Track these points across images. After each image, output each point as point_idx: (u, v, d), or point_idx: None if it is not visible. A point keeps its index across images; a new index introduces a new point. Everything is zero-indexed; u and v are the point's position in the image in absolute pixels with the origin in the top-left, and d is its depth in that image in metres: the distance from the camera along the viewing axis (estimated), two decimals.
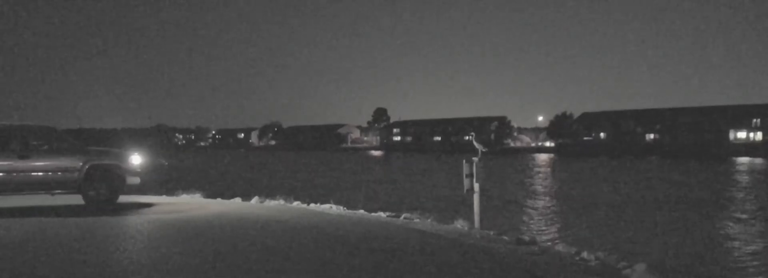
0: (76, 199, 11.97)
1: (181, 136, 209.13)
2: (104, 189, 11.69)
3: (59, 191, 11.55)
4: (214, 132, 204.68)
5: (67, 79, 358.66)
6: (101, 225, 9.54)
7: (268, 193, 16.14)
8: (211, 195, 16.45)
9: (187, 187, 19.24)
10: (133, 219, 10.40)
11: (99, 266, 6.45)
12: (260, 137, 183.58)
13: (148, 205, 12.67)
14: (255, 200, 14.40)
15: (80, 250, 7.37)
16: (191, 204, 13.51)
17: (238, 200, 14.76)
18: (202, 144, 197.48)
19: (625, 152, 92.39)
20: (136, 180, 12.05)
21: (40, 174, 11.20)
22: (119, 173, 11.78)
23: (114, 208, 11.61)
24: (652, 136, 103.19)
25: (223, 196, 15.90)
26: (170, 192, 17.23)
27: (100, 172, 11.65)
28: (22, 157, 11.00)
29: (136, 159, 12.11)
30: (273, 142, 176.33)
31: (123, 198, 12.54)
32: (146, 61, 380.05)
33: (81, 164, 11.45)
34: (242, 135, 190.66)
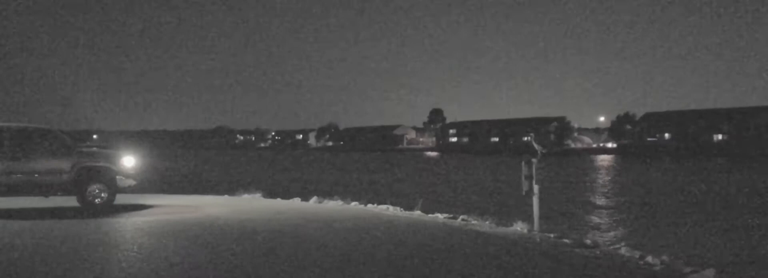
0: (73, 201, 11.85)
1: (241, 137, 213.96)
2: (97, 191, 11.49)
3: (52, 193, 11.39)
4: (273, 133, 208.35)
5: (136, 83, 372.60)
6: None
7: (327, 193, 16.35)
8: (271, 195, 16.78)
9: (248, 187, 19.68)
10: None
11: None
12: (318, 138, 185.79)
13: (212, 205, 13.02)
14: (314, 200, 14.61)
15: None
16: (251, 203, 13.82)
17: (297, 200, 15.01)
18: (263, 145, 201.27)
19: (692, 154, 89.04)
20: (130, 182, 11.84)
21: (31, 176, 11.00)
22: (110, 175, 11.57)
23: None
24: (719, 136, 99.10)
25: (283, 196, 16.19)
26: (231, 191, 17.68)
27: (92, 174, 11.44)
28: (12, 159, 10.87)
29: (129, 161, 11.90)
30: (330, 143, 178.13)
31: (174, 200, 12.84)
32: (210, 65, 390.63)
33: (71, 166, 11.26)
34: (300, 136, 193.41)
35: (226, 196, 16.51)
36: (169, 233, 8.83)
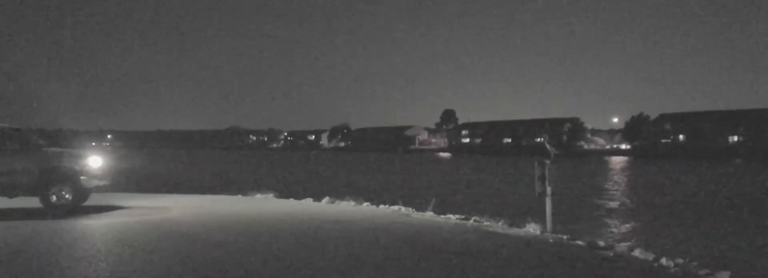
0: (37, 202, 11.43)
1: (254, 138, 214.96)
2: (61, 192, 11.10)
3: (16, 194, 11.05)
4: (286, 133, 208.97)
5: (150, 83, 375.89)
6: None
7: (339, 194, 16.36)
8: (283, 195, 16.82)
9: (261, 187, 19.76)
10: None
11: None
12: (330, 139, 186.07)
13: (226, 205, 13.05)
14: (326, 200, 14.63)
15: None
16: (264, 203, 13.86)
17: (309, 200, 15.04)
18: (275, 145, 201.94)
19: (706, 155, 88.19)
20: (96, 183, 11.44)
21: None
22: (74, 176, 11.16)
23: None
24: (735, 138, 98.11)
25: (296, 196, 16.22)
26: (244, 192, 17.76)
27: (55, 175, 11.06)
28: None
29: (96, 162, 11.48)
30: (342, 144, 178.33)
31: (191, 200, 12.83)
32: (223, 66, 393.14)
33: (34, 166, 10.91)
34: (313, 136, 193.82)
35: (238, 196, 16.58)
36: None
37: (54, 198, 11.16)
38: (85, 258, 6.82)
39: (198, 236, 8.57)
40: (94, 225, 9.73)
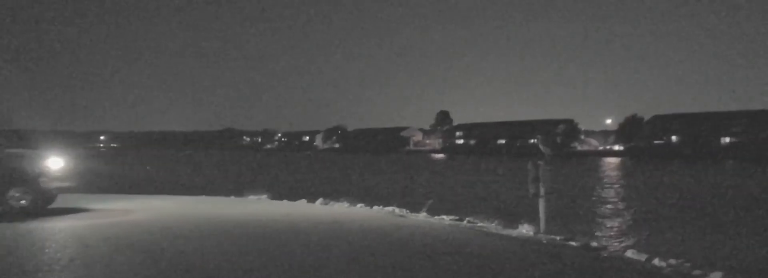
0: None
1: (248, 139, 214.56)
2: (18, 195, 10.79)
3: None
4: (280, 135, 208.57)
5: (145, 84, 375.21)
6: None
7: (333, 195, 16.35)
8: (277, 196, 16.80)
9: (254, 188, 19.72)
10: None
11: None
12: (325, 140, 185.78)
13: (224, 207, 13.02)
14: (319, 202, 14.62)
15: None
16: (258, 205, 13.84)
17: (303, 202, 15.03)
18: (269, 146, 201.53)
19: (700, 156, 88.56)
20: (56, 184, 11.13)
21: None
22: (31, 178, 10.84)
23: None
24: (728, 139, 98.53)
25: (290, 198, 16.21)
26: (238, 193, 17.74)
27: (13, 177, 10.75)
28: None
29: (56, 163, 11.17)
30: (337, 145, 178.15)
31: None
32: (218, 67, 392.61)
33: None
34: (307, 138, 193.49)
35: (232, 197, 16.55)
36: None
37: (11, 200, 10.81)
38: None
39: (185, 239, 8.55)
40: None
